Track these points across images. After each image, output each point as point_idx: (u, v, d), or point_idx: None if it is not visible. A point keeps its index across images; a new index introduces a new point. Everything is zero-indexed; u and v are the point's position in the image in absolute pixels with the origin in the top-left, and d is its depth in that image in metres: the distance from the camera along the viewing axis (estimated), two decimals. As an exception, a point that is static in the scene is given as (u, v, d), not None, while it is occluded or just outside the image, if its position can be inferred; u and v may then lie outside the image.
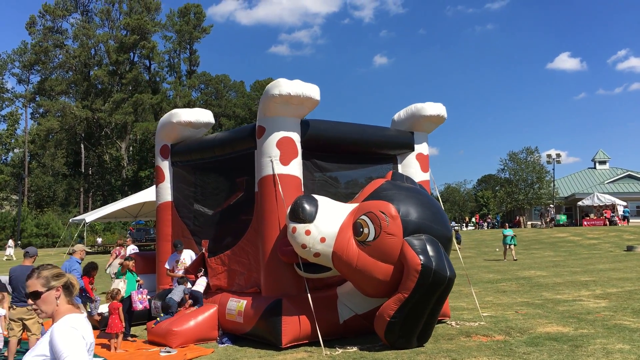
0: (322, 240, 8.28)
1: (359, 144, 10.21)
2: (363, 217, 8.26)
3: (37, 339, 8.30)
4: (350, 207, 8.62)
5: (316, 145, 9.61)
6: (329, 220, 8.35)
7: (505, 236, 25.10)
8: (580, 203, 47.80)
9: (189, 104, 63.93)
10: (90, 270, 9.97)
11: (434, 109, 10.66)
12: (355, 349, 8.60)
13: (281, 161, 9.03)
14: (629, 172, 54.31)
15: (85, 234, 40.04)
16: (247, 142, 9.65)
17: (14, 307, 8.25)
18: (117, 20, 67.37)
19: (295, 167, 9.18)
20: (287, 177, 9.05)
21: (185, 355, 8.50)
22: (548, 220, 46.63)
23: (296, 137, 9.22)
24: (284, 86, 8.76)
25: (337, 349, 8.57)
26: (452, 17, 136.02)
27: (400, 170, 10.88)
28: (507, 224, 30.63)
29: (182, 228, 11.11)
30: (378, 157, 10.79)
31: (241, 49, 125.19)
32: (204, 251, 10.33)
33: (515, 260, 24.43)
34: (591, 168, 59.58)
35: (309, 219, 8.26)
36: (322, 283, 9.36)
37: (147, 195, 39.69)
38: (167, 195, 11.42)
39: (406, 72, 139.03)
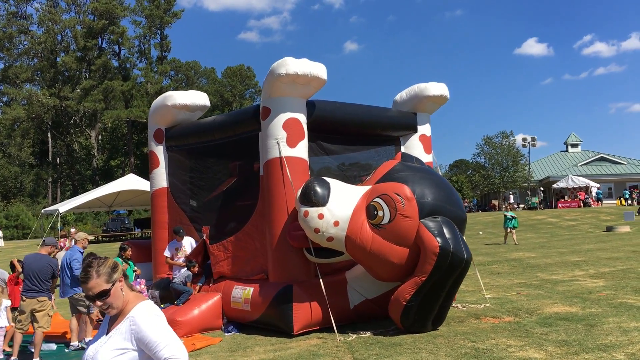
0: (336, 224, 8.03)
1: (364, 125, 9.97)
2: (377, 199, 8.03)
3: (43, 332, 7.94)
4: (362, 189, 8.37)
5: (321, 126, 9.33)
6: (341, 203, 8.10)
7: (506, 219, 23.78)
8: (555, 185, 48.44)
9: (161, 91, 62.77)
10: None
11: (437, 88, 10.46)
12: (368, 334, 8.41)
13: (288, 143, 8.73)
14: (602, 155, 55.24)
15: (58, 225, 39.05)
16: (250, 124, 9.32)
17: (24, 298, 7.83)
18: (84, 5, 65.56)
19: (302, 150, 8.90)
20: (294, 160, 8.77)
21: (194, 345, 8.20)
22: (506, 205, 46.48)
23: (302, 118, 8.93)
24: (290, 65, 8.44)
25: (350, 334, 8.37)
26: (421, 3, 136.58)
27: (403, 151, 10.68)
28: (508, 207, 29.52)
29: (180, 215, 10.73)
30: (381, 139, 10.57)
31: (209, 35, 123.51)
32: (205, 238, 9.99)
33: (517, 244, 23.05)
34: (563, 151, 60.44)
35: (322, 202, 8.00)
36: (330, 268, 9.13)
37: (122, 184, 39.01)
38: (163, 181, 11.01)
39: (377, 58, 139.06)
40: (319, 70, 8.65)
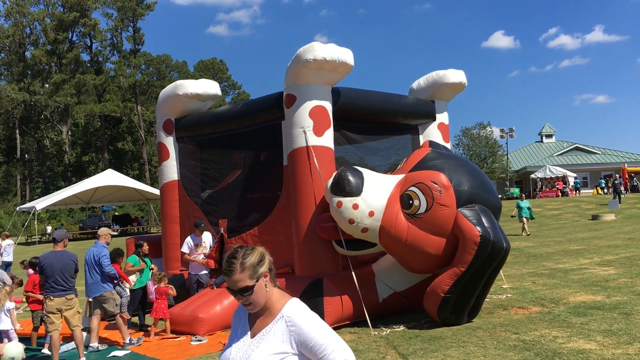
0: (371, 214, 7.75)
1: (387, 113, 9.71)
2: (412, 188, 7.77)
3: (81, 331, 7.53)
4: (395, 178, 8.11)
5: (345, 114, 9.03)
6: (376, 193, 7.83)
7: (520, 208, 22.18)
8: (532, 176, 48.94)
9: (135, 85, 61.60)
10: (116, 257, 9.16)
11: (456, 76, 10.26)
12: (402, 327, 8.18)
13: (315, 132, 8.42)
14: (577, 145, 56.01)
15: (33, 223, 37.96)
16: (272, 112, 8.97)
17: (51, 297, 7.38)
18: (53, -3, 63.81)
19: (329, 138, 8.60)
20: (321, 149, 8.46)
21: (223, 344, 7.83)
22: None
23: (329, 106, 8.62)
24: (318, 50, 8.12)
25: (383, 328, 8.12)
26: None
27: (422, 140, 10.46)
28: (523, 195, 26.80)
29: (193, 208, 10.31)
30: (401, 128, 10.32)
31: (178, 29, 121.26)
32: (222, 232, 9.60)
33: (528, 235, 21.87)
34: (538, 142, 61.14)
35: (356, 192, 7.71)
36: (356, 261, 8.85)
37: (99, 180, 38.12)
38: (173, 173, 10.57)
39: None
40: (346, 55, 8.35)
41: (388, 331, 8.01)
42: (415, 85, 10.54)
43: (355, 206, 7.68)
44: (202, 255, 9.68)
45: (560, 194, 44.83)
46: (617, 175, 39.57)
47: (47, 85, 60.95)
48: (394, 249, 8.03)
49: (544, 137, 60.58)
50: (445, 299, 7.66)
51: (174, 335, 8.77)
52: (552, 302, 9.37)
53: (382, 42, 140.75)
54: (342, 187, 7.73)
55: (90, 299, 8.77)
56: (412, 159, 8.30)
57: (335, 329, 8.24)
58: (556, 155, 54.70)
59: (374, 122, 9.70)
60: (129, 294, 9.23)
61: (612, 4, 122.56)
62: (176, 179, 10.57)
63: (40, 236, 40.20)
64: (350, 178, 7.76)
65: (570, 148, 55.99)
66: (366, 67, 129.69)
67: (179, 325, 8.85)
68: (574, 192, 46.05)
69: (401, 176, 8.07)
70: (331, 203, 7.87)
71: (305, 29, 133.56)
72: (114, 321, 8.58)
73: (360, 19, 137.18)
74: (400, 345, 7.27)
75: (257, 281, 2.47)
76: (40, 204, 37.67)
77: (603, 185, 46.65)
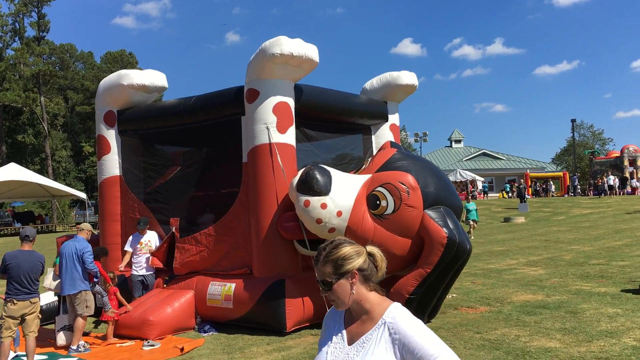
0: (339, 214, 7.62)
1: (345, 112, 9.62)
2: (380, 188, 7.72)
3: (35, 338, 6.86)
4: (362, 178, 8.02)
5: (305, 112, 8.85)
6: (343, 193, 7.70)
7: (469, 211, 21.41)
8: (442, 179, 50.64)
9: (38, 74, 58.10)
10: (100, 256, 8.55)
11: (409, 77, 10.33)
12: (363, 329, 8.10)
13: (278, 128, 8.18)
14: (484, 150, 58.64)
15: None
16: (231, 107, 8.64)
17: (15, 301, 6.66)
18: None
19: (291, 136, 8.39)
20: (284, 147, 8.24)
21: (183, 349, 7.43)
22: None
23: (292, 102, 8.41)
24: (285, 45, 7.89)
25: (344, 330, 8.01)
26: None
27: (374, 141, 10.47)
28: (469, 197, 25.28)
29: (138, 205, 9.74)
30: (354, 127, 10.26)
31: (81, 18, 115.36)
32: (174, 230, 9.13)
33: (472, 238, 20.16)
34: (448, 146, 63.47)
35: (325, 191, 7.55)
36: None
37: (2, 174, 35.54)
38: (114, 168, 9.94)
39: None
40: (312, 52, 8.18)
41: (350, 332, 7.91)
42: (368, 85, 10.52)
43: (324, 205, 7.53)
44: (148, 254, 9.18)
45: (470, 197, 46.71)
46: (521, 181, 41.73)
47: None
48: (359, 249, 7.92)
49: (453, 142, 62.96)
50: (409, 299, 7.65)
51: (119, 340, 8.25)
52: (497, 302, 9.64)
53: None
54: (310, 186, 7.55)
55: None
56: (378, 159, 8.25)
57: (295, 331, 8.08)
58: (465, 160, 57.00)
59: (330, 120, 9.58)
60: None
61: (511, 19, 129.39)
62: (118, 174, 9.95)
63: None
64: (319, 177, 7.60)
65: (477, 153, 58.53)
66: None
67: (126, 329, 8.34)
68: (482, 195, 48.13)
69: (367, 176, 8.00)
70: (298, 202, 7.67)
71: (217, 25, 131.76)
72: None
73: (274, 18, 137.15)
74: (369, 346, 7.18)
75: (338, 278, 2.30)
76: None
77: (508, 189, 49.08)
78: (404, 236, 7.71)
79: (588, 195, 42.47)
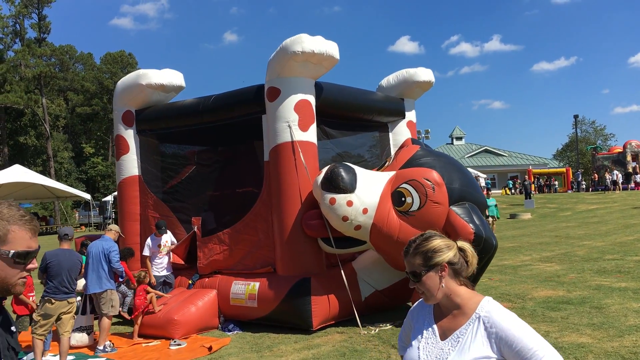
0: (365, 211, 7.59)
1: (363, 110, 9.59)
2: (405, 185, 7.69)
3: (69, 338, 6.85)
4: (386, 175, 7.99)
5: (325, 109, 8.82)
6: (369, 190, 7.68)
7: (488, 206, 19.52)
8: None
9: (40, 75, 58.02)
10: (127, 256, 8.56)
11: (426, 74, 10.32)
12: (389, 325, 8.09)
13: (300, 127, 8.15)
14: (486, 147, 58.61)
15: None
16: (251, 106, 8.61)
17: (53, 300, 6.65)
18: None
19: (313, 134, 8.37)
20: (306, 144, 8.22)
21: (210, 348, 7.41)
22: None
23: (313, 100, 8.38)
24: (306, 42, 7.87)
25: (370, 327, 8.00)
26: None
27: (391, 138, 10.45)
28: (489, 192, 24.29)
29: (157, 205, 9.69)
30: (372, 125, 10.24)
31: (78, 20, 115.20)
32: (196, 230, 9.09)
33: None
34: (449, 144, 63.44)
35: (350, 188, 7.53)
36: (336, 259, 8.67)
37: (5, 176, 35.49)
38: (133, 168, 9.91)
39: (256, 50, 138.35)
40: (333, 49, 8.16)
41: (377, 330, 7.90)
42: (384, 82, 10.49)
43: (350, 203, 7.50)
44: (168, 255, 9.17)
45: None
46: (525, 177, 41.71)
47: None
48: (384, 246, 7.91)
49: (454, 140, 62.93)
50: (436, 296, 7.62)
51: (144, 340, 8.23)
52: (519, 298, 9.62)
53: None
54: (336, 184, 7.52)
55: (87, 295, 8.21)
56: (402, 156, 8.21)
57: (321, 329, 8.06)
58: (467, 157, 56.97)
59: (348, 117, 9.56)
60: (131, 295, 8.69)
61: (508, 16, 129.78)
62: (137, 174, 9.92)
63: None
64: (344, 174, 7.57)
65: (479, 150, 58.49)
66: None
67: (151, 329, 8.32)
68: (485, 192, 48.15)
69: (391, 173, 7.97)
70: (323, 200, 7.64)
71: (215, 25, 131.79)
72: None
73: (271, 18, 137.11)
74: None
75: (427, 270, 2.28)
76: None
77: (511, 185, 49.09)
78: (430, 233, 7.67)
79: (589, 190, 42.41)
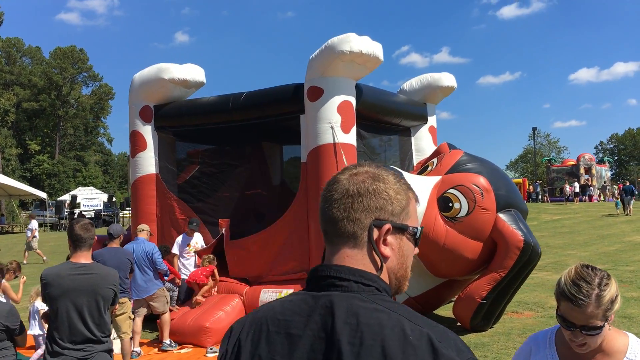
0: (413, 216, 7.40)
1: (394, 113, 9.45)
2: (452, 190, 7.56)
3: (131, 339, 6.46)
4: (432, 180, 7.84)
5: (361, 111, 8.62)
6: (417, 195, 7.50)
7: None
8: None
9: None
10: (165, 253, 8.16)
11: (449, 80, 10.28)
12: (428, 333, 7.92)
13: (342, 128, 7.93)
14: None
15: None
16: (288, 105, 8.32)
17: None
18: None
19: (354, 136, 8.16)
20: (347, 147, 8.00)
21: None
22: None
23: (354, 101, 8.18)
24: (354, 42, 7.66)
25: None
26: (256, 1, 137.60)
27: (413, 143, 10.35)
28: None
29: (179, 206, 9.23)
30: (396, 128, 10.10)
31: (26, 12, 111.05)
32: (224, 232, 8.71)
33: None
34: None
35: (399, 193, 7.33)
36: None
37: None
38: (150, 166, 9.44)
39: (207, 52, 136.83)
40: (378, 50, 8.01)
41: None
42: (407, 86, 10.39)
43: (398, 208, 7.31)
44: (195, 256, 8.78)
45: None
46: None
47: None
48: (429, 252, 7.74)
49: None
50: (481, 304, 7.53)
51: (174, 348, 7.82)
52: (538, 306, 9.63)
53: (245, 46, 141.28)
54: (385, 188, 7.31)
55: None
56: (446, 161, 8.08)
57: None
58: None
59: (379, 120, 9.40)
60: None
61: (457, 29, 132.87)
62: (154, 172, 9.46)
63: None
64: (393, 178, 7.38)
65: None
66: (226, 69, 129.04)
67: (181, 336, 7.90)
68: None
69: (437, 178, 7.83)
70: (370, 204, 7.42)
71: (166, 25, 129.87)
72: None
73: (224, 20, 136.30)
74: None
75: (606, 321, 2.02)
76: None
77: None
78: (476, 239, 7.58)
79: (544, 201, 43.42)
